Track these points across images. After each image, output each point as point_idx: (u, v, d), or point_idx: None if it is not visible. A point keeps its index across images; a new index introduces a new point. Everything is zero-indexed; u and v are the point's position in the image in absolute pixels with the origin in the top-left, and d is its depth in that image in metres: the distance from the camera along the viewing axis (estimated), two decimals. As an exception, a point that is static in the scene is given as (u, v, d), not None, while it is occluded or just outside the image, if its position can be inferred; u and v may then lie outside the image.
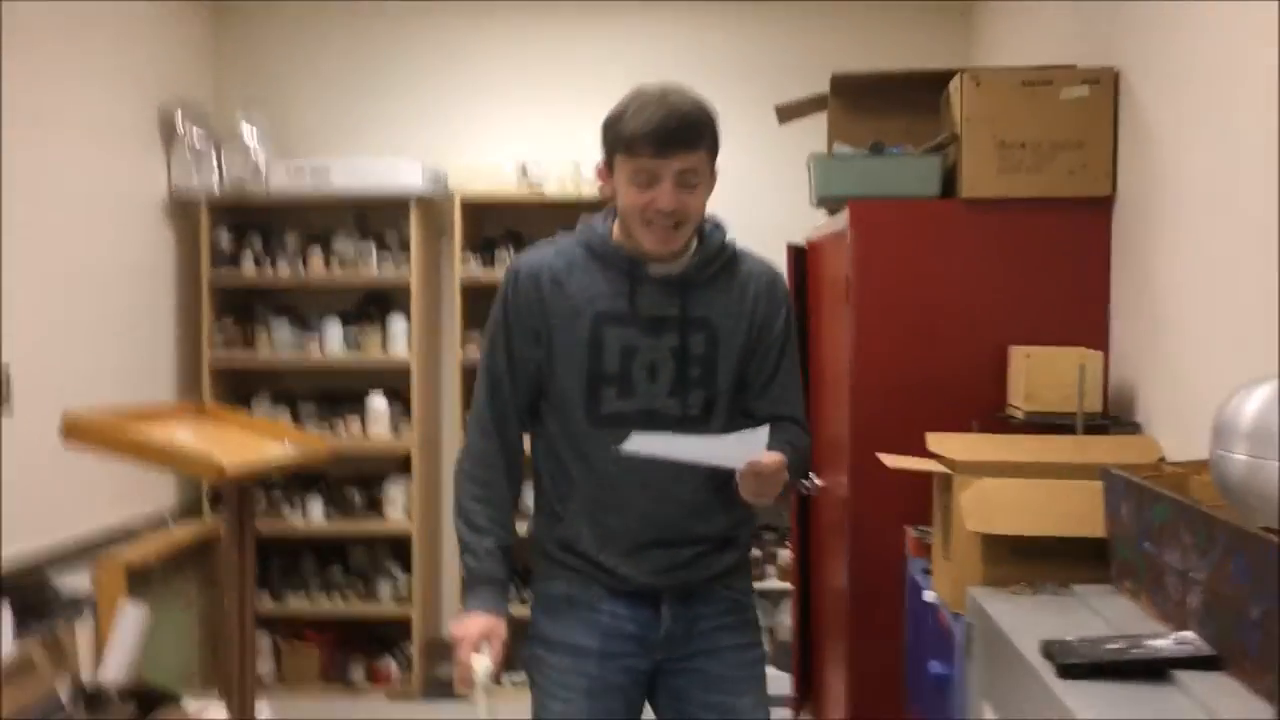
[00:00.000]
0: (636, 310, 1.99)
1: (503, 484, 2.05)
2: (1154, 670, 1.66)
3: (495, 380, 2.05)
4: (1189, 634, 1.74)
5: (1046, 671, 1.71)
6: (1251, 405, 1.05)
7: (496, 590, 2.00)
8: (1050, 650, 1.74)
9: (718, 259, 2.05)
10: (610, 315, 1.99)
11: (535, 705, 2.08)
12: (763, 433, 1.82)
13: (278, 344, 4.69)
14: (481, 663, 1.91)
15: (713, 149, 1.96)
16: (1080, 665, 1.67)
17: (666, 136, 1.88)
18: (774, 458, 1.86)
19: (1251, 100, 2.19)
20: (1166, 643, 1.72)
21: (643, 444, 1.82)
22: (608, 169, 1.99)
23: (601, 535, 2.02)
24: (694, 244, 2.04)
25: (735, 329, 2.04)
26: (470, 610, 1.97)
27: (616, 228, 2.03)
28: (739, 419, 2.06)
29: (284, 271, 4.68)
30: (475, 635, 1.93)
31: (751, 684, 2.11)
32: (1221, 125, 2.32)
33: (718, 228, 2.08)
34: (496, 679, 1.95)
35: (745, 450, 1.83)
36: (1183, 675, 1.63)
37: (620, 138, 1.93)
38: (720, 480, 2.00)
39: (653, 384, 1.99)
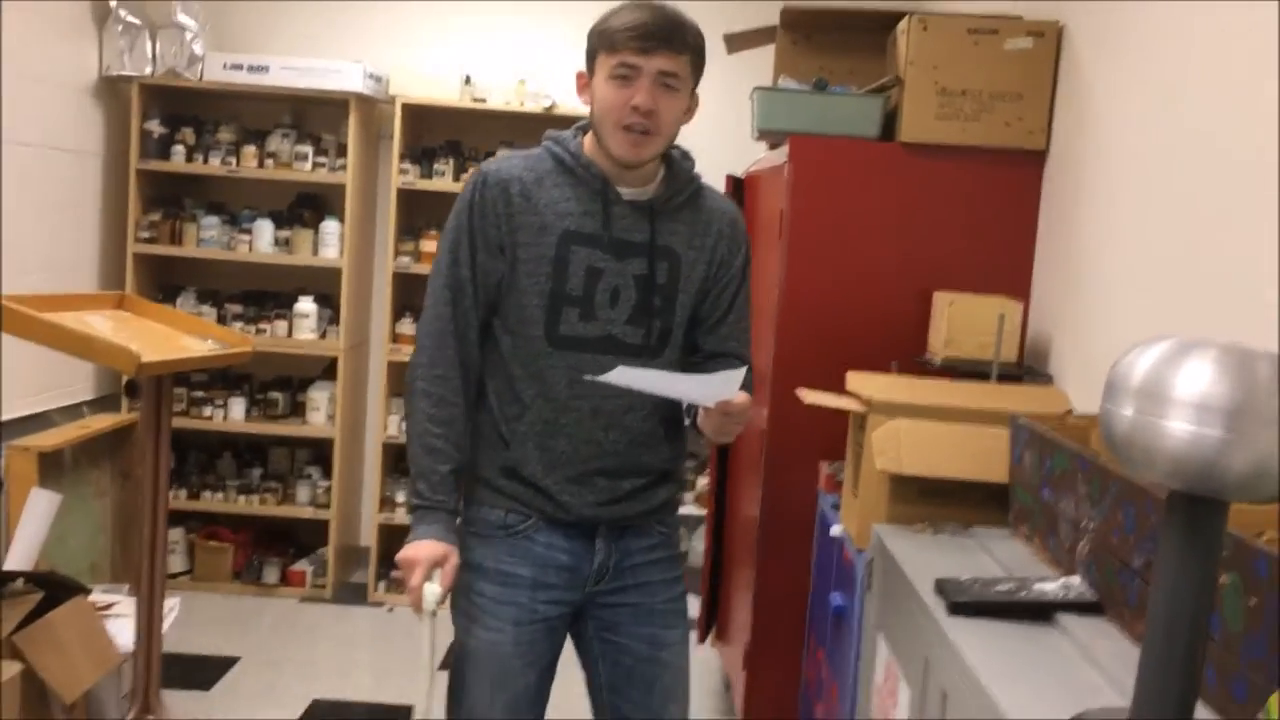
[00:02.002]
0: (609, 231, 1.96)
1: (459, 400, 1.99)
2: (1038, 612, 1.73)
3: (457, 289, 1.98)
4: (1075, 579, 1.82)
5: (938, 608, 1.77)
6: (1143, 363, 1.09)
7: (447, 519, 1.97)
8: (943, 588, 1.80)
9: (687, 188, 2.03)
10: (579, 234, 1.95)
11: (460, 631, 2.05)
12: (740, 373, 1.82)
13: (206, 239, 4.60)
14: (432, 590, 1.90)
15: (696, 62, 1.94)
16: (969, 604, 1.74)
17: (651, 32, 1.86)
18: (744, 398, 1.86)
19: (1185, 66, 2.22)
20: (1053, 587, 1.79)
21: (624, 376, 1.80)
22: (589, 74, 1.96)
23: (549, 459, 1.99)
24: (662, 171, 2.02)
25: (697, 261, 2.03)
26: (420, 537, 1.94)
27: (587, 143, 1.99)
28: (689, 352, 2.08)
29: (216, 165, 4.57)
30: (426, 561, 1.91)
31: (679, 618, 2.13)
32: (1154, 89, 2.35)
33: (686, 157, 2.06)
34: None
35: (721, 389, 1.84)
36: (1065, 618, 1.70)
37: (604, 35, 1.90)
38: (665, 411, 2.02)
39: (613, 309, 1.96)
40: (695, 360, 2.10)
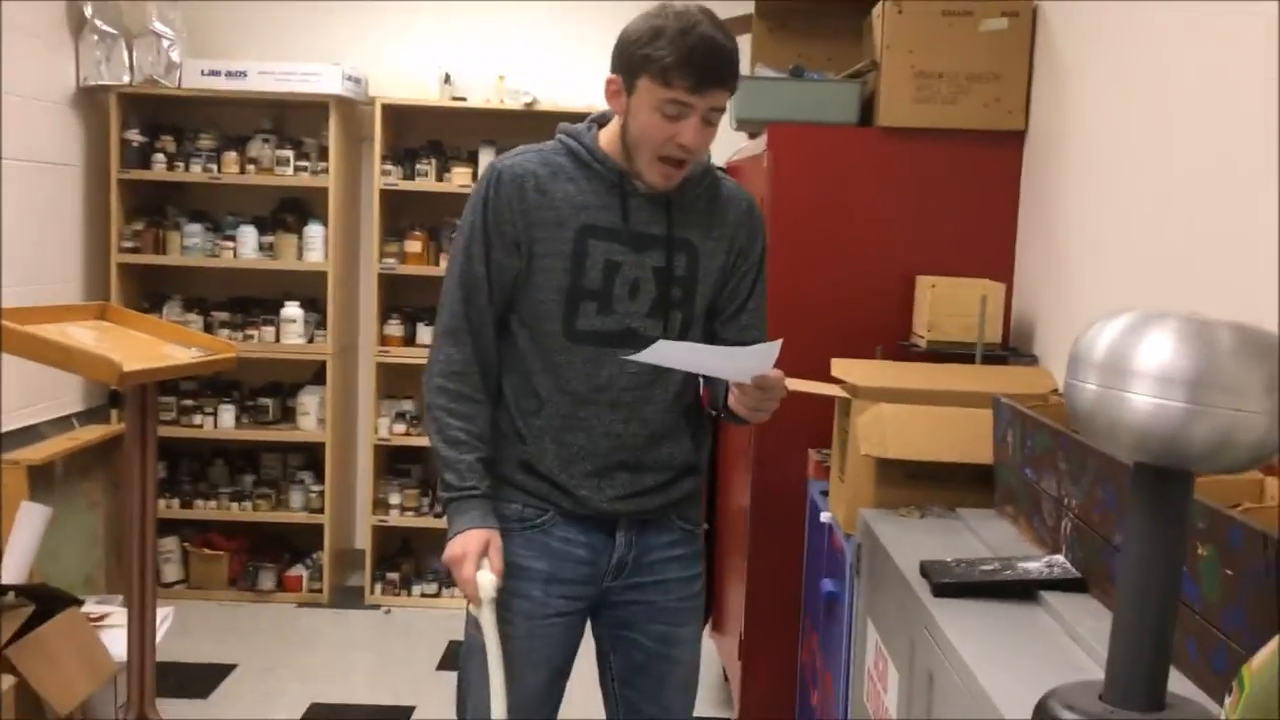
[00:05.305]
0: (627, 224, 1.92)
1: (479, 396, 1.96)
2: (1022, 591, 1.74)
3: (471, 287, 1.94)
4: (1059, 558, 1.82)
5: (923, 590, 1.77)
6: (1105, 337, 1.09)
7: (482, 504, 1.93)
8: (927, 570, 1.81)
9: (704, 180, 1.99)
10: (597, 228, 1.91)
11: (468, 628, 2.01)
12: (775, 346, 1.75)
13: (190, 247, 4.59)
14: (486, 577, 1.86)
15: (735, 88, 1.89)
16: (952, 584, 1.74)
17: (707, 74, 1.78)
18: (779, 373, 1.81)
19: (1160, 38, 2.22)
20: (1037, 565, 1.79)
21: (660, 353, 1.75)
22: (625, 89, 1.85)
23: (566, 455, 1.96)
24: None
25: (715, 251, 1.99)
26: (460, 530, 1.90)
27: (603, 137, 1.94)
28: (708, 343, 2.02)
29: (197, 172, 4.56)
30: (475, 550, 1.87)
31: (694, 614, 2.10)
32: (1131, 65, 2.35)
33: None
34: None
35: (756, 363, 1.78)
36: (1049, 596, 1.71)
37: (653, 62, 1.78)
38: (685, 402, 2.01)
39: (633, 302, 1.93)
40: None
